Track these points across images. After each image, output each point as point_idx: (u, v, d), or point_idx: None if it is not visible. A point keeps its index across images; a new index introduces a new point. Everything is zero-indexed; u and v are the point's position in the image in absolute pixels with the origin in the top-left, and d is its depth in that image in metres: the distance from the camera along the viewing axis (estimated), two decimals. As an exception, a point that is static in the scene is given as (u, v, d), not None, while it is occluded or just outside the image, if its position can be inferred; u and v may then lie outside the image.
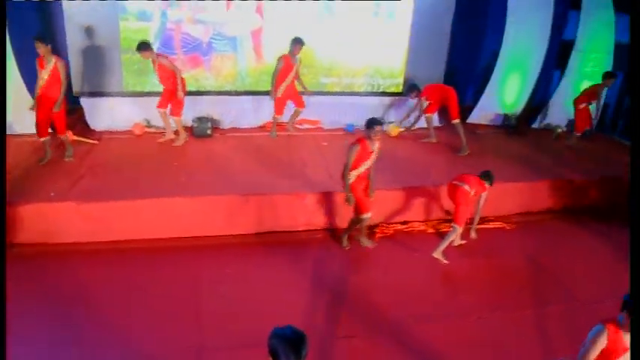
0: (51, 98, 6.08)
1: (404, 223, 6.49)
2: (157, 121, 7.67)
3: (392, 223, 6.43)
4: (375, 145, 5.31)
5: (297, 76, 7.69)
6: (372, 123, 5.21)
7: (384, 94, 9.16)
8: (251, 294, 4.78)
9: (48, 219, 5.43)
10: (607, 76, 8.39)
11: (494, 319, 4.69)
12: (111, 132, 7.71)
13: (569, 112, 9.17)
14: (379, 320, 4.56)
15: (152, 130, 7.79)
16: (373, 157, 5.37)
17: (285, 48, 7.59)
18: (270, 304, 4.61)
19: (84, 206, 5.49)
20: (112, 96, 7.88)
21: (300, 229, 6.08)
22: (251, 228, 5.94)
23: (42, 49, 5.91)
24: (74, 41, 7.45)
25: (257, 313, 4.39)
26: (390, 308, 4.73)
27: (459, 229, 5.55)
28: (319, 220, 6.17)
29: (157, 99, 7.28)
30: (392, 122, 8.86)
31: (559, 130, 9.48)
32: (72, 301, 4.54)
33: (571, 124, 9.44)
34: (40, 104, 6.12)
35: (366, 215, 5.54)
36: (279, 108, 7.81)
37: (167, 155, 6.98)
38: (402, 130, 8.68)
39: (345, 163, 5.30)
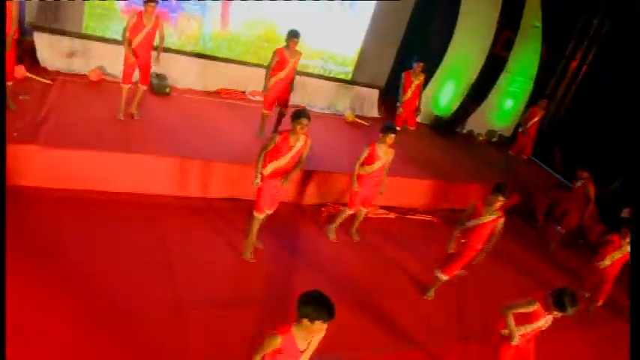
0: None
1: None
2: (113, 70, 7.62)
3: (337, 204, 7.11)
4: (299, 141, 4.90)
5: (292, 73, 7.03)
6: (297, 115, 4.79)
7: (335, 79, 9.70)
8: (219, 257, 5.22)
9: (9, 160, 5.40)
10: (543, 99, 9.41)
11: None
12: (65, 74, 7.51)
13: (490, 123, 10.42)
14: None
15: (109, 78, 7.70)
16: (292, 153, 4.92)
17: (251, 21, 7.80)
18: (238, 267, 5.11)
19: (48, 151, 5.53)
20: (69, 36, 7.64)
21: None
22: (216, 193, 6.33)
23: None
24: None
25: (227, 275, 4.88)
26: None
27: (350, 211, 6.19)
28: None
29: (117, 48, 7.05)
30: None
31: (480, 138, 10.71)
32: (36, 248, 4.62)
33: (490, 134, 10.71)
34: None
35: (268, 212, 5.27)
36: (267, 103, 7.18)
37: (127, 108, 7.01)
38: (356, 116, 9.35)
39: (260, 150, 4.95)
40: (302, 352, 2.94)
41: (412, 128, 8.59)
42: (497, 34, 10.14)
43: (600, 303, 6.38)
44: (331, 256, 6.07)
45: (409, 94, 8.19)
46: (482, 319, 5.44)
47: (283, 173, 5.02)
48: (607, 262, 6.12)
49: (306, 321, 2.76)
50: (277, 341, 2.84)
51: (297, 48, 6.93)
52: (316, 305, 2.74)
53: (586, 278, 6.43)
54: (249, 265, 5.29)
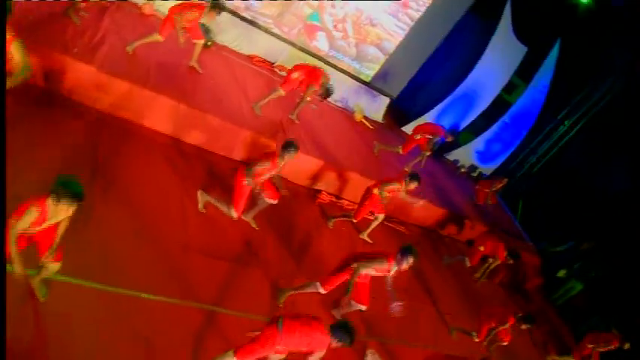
0: None
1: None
2: (164, 8, 8.00)
3: (330, 194, 7.90)
4: (281, 165, 5.41)
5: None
6: (287, 145, 5.32)
7: (354, 77, 10.29)
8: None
9: (66, 73, 5.87)
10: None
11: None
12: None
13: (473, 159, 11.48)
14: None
15: (159, 14, 8.07)
16: (275, 171, 5.51)
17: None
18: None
19: (102, 76, 6.02)
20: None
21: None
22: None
23: None
24: None
25: (230, 232, 5.63)
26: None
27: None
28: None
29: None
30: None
31: (462, 170, 11.72)
32: (73, 157, 5.21)
33: (472, 168, 11.74)
34: None
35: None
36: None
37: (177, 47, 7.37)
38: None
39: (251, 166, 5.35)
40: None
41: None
42: (509, 82, 11.05)
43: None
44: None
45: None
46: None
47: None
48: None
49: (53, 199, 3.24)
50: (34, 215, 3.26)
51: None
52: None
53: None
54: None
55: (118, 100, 6.19)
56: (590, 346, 7.89)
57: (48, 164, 4.84)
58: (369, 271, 5.10)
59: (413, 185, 6.95)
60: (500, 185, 10.37)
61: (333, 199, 7.95)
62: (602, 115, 11.60)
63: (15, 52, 4.05)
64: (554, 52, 10.97)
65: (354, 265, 5.06)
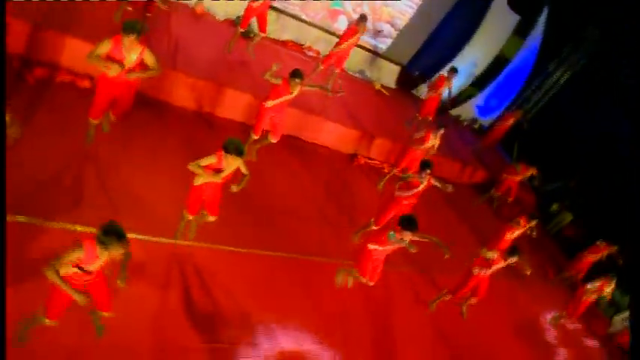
0: None
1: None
2: (213, 5, 9.32)
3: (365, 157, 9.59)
4: (295, 90, 6.54)
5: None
6: (294, 74, 6.43)
7: (367, 49, 11.70)
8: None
9: (164, 83, 7.29)
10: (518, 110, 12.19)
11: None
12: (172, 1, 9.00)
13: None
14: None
15: (210, 13, 9.39)
16: (289, 97, 6.61)
17: None
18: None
19: (190, 79, 7.49)
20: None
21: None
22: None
23: None
24: None
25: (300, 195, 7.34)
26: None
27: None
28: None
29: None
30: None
31: (465, 123, 13.39)
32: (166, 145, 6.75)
33: (473, 121, 13.42)
34: None
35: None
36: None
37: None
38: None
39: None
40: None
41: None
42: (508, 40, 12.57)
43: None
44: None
45: (434, 94, 10.18)
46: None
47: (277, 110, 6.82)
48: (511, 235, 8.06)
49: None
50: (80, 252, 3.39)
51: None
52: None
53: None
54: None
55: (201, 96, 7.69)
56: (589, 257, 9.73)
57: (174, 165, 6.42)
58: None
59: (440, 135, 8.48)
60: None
61: (368, 161, 9.62)
62: (587, 67, 13.27)
63: (148, 57, 5.33)
64: (542, 18, 12.49)
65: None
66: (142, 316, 4.66)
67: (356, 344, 5.96)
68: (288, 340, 5.42)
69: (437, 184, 6.91)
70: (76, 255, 3.41)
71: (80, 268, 3.47)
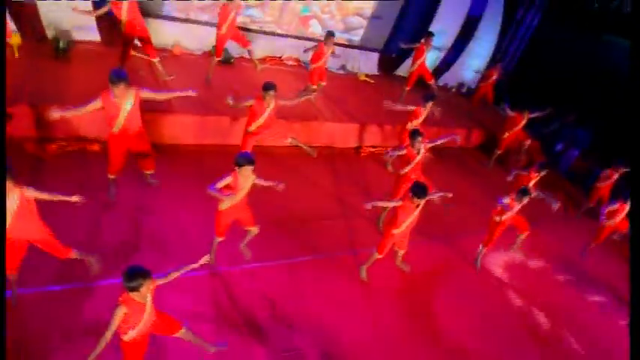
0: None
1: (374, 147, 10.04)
2: (188, 43, 9.68)
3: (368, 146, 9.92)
4: (271, 103, 6.68)
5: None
6: (266, 87, 6.56)
7: (344, 45, 12.04)
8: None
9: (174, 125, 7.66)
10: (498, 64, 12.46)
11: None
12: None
13: (460, 78, 13.37)
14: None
15: (187, 52, 9.77)
16: (266, 114, 6.74)
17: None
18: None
19: (196, 117, 7.89)
20: (152, 17, 9.53)
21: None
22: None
23: None
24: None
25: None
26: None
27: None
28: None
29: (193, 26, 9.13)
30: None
31: (453, 90, 13.65)
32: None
33: (460, 86, 13.69)
34: None
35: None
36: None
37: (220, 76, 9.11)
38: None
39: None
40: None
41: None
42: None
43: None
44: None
45: (419, 62, 10.60)
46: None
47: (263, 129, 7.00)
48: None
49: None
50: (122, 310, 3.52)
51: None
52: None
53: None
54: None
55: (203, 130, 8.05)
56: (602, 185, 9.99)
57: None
58: None
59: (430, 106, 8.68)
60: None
61: (372, 150, 9.94)
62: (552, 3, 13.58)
63: (146, 94, 5.60)
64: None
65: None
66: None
67: (418, 317, 6.33)
68: (348, 333, 5.75)
69: (439, 142, 7.34)
70: (121, 313, 3.53)
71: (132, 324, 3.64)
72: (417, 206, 5.86)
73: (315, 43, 9.29)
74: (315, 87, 9.49)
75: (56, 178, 6.29)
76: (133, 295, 3.51)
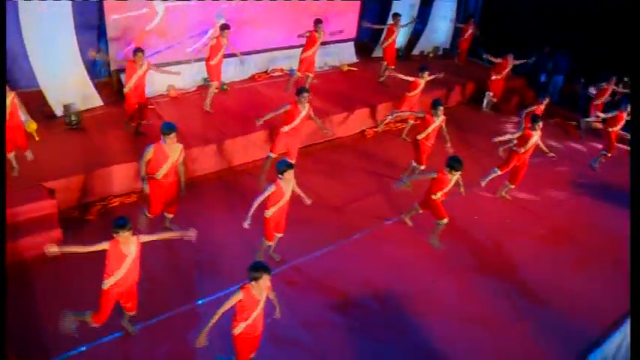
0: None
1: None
2: (181, 84, 10.20)
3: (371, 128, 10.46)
4: (305, 108, 7.30)
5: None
6: (300, 91, 7.33)
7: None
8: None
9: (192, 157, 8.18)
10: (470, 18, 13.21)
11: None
12: (152, 97, 9.82)
13: (433, 42, 13.96)
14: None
15: (182, 91, 10.28)
16: (302, 116, 7.30)
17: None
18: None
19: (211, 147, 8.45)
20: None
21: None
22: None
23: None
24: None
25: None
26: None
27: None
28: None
29: (181, 67, 9.64)
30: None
31: (430, 55, 14.18)
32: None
33: (436, 50, 14.25)
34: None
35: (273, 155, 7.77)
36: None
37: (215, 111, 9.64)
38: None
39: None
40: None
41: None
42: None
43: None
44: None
45: (390, 40, 11.40)
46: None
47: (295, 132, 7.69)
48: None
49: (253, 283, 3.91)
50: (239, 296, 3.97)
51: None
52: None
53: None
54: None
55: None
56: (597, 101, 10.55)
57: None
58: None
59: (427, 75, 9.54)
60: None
61: (376, 130, 10.46)
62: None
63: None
64: None
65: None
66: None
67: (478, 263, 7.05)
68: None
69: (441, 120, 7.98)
70: (238, 297, 3.99)
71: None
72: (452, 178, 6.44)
73: (307, 32, 9.96)
74: (299, 74, 10.16)
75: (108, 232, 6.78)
76: (253, 285, 3.91)
